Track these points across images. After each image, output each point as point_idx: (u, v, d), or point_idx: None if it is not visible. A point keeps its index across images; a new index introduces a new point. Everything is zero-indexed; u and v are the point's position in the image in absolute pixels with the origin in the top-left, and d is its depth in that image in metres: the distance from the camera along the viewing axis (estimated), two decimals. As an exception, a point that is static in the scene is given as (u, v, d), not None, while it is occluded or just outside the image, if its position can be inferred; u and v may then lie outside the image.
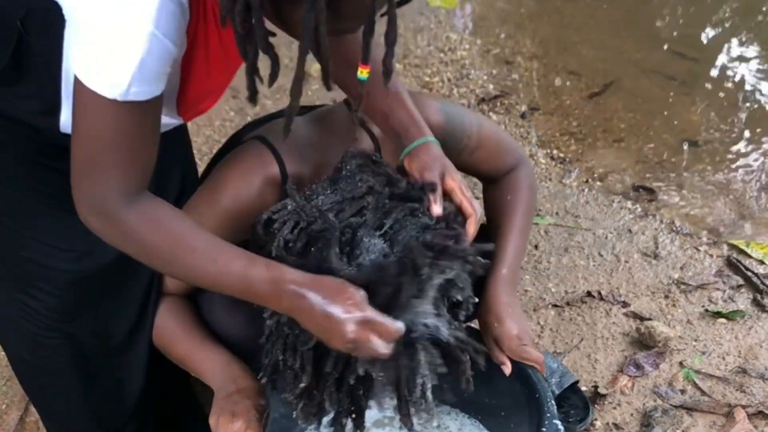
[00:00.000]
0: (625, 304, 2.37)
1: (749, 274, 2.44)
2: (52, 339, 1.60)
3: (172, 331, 1.63)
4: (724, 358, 2.21)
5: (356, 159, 1.51)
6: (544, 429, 1.53)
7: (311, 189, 1.49)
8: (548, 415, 1.56)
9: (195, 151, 2.02)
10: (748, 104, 3.26)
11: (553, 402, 1.60)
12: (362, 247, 1.36)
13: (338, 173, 1.50)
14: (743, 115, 3.20)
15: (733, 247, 2.57)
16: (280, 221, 1.44)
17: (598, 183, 2.84)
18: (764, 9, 3.90)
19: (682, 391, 2.11)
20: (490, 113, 3.12)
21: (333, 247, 1.34)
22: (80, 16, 1.20)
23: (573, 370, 2.15)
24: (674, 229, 2.64)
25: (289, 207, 1.45)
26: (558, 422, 1.54)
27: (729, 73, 3.45)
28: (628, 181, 2.85)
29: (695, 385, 2.12)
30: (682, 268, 2.50)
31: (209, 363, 1.60)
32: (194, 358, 1.61)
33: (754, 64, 3.50)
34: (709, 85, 3.40)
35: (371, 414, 1.82)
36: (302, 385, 1.39)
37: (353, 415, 1.44)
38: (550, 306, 2.37)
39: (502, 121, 3.08)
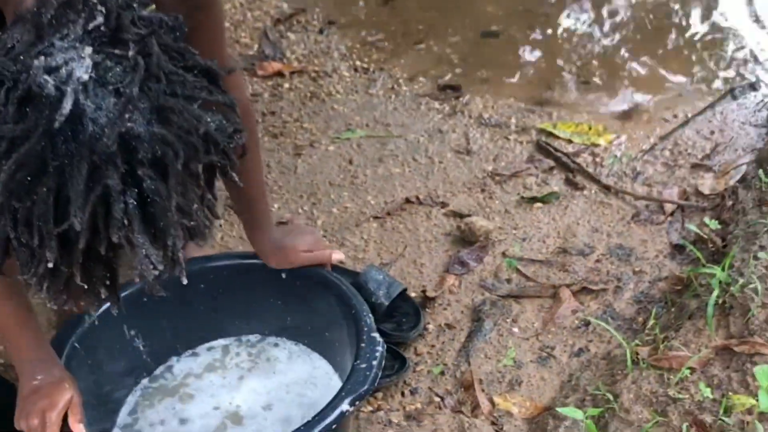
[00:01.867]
0: (444, 204, 2.37)
1: (559, 154, 2.47)
2: None
3: None
4: (544, 242, 2.23)
5: None
6: (363, 344, 1.51)
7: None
8: (365, 329, 1.54)
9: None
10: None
11: (369, 314, 1.58)
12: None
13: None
14: (535, 1, 3.21)
15: (541, 131, 2.59)
16: None
17: (404, 88, 2.81)
18: None
19: (508, 281, 2.13)
20: (288, 33, 3.04)
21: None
22: None
23: (401, 278, 2.14)
24: (483, 122, 2.64)
25: None
26: (376, 335, 1.53)
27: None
28: (433, 82, 2.83)
29: (519, 273, 2.14)
30: (494, 160, 2.51)
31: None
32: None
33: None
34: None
35: (202, 359, 1.78)
36: (49, 264, 1.12)
37: (107, 282, 1.18)
38: (371, 219, 2.35)
39: (301, 40, 3.01)
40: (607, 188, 2.36)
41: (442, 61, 2.93)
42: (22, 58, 1.06)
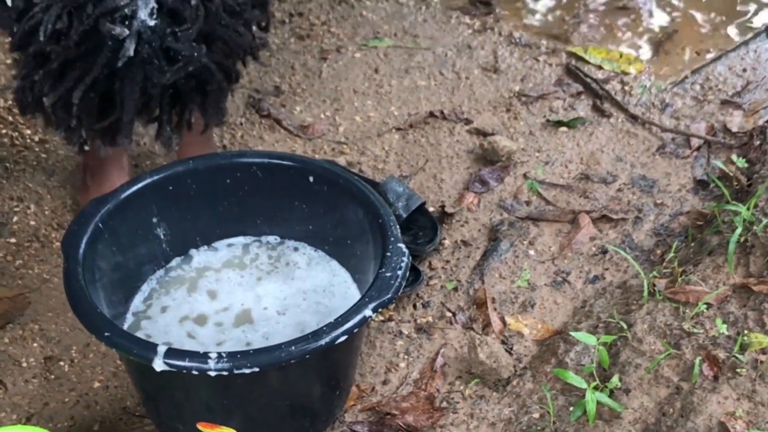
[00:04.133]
0: (467, 121, 2.35)
1: (588, 80, 2.44)
2: None
3: None
4: (566, 167, 2.22)
5: None
6: (389, 253, 1.50)
7: None
8: (392, 239, 1.53)
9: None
10: None
11: (396, 225, 1.57)
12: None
13: None
14: None
15: (571, 54, 2.56)
16: (40, 10, 1.21)
17: (435, 0, 2.77)
18: None
19: (527, 203, 2.12)
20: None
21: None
22: None
23: (420, 191, 2.13)
24: (513, 41, 2.61)
25: None
26: (402, 245, 1.52)
27: None
28: (465, -5, 2.79)
29: (540, 196, 2.13)
30: (522, 80, 2.48)
31: None
32: None
33: None
34: None
35: (221, 255, 1.78)
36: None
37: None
38: (393, 130, 2.33)
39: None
40: (634, 118, 2.34)
41: (475, -25, 2.87)
42: None
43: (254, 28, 1.35)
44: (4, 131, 2.27)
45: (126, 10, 1.15)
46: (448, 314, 1.88)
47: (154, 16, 1.15)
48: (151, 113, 1.19)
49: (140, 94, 1.17)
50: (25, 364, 1.75)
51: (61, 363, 1.76)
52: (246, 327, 1.64)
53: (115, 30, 1.13)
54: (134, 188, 1.64)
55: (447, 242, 2.04)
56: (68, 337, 1.81)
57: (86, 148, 1.25)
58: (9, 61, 2.46)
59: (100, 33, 1.14)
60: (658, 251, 1.98)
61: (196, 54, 1.16)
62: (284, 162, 1.71)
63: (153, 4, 1.14)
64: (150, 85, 1.16)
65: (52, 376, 1.74)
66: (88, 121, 1.19)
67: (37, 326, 1.83)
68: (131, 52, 1.13)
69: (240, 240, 1.80)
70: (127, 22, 1.15)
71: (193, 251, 1.78)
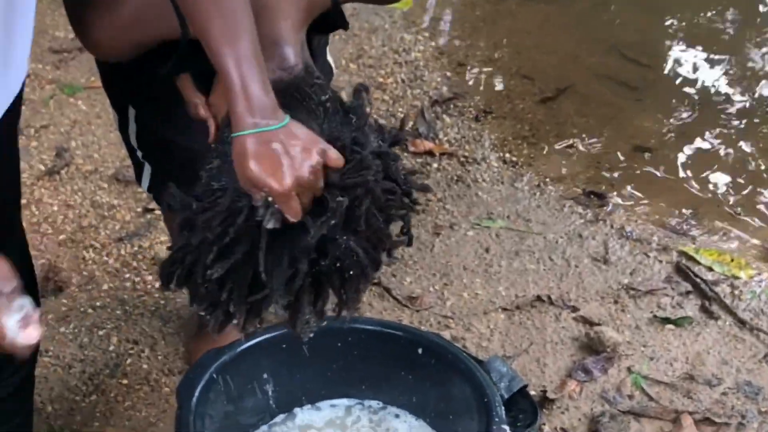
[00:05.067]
0: (574, 309, 2.37)
1: (698, 280, 2.46)
2: None
3: None
4: (671, 364, 2.21)
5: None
6: (492, 432, 1.52)
7: None
8: (497, 419, 1.55)
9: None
10: (698, 111, 3.27)
11: (501, 407, 1.59)
12: None
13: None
14: (693, 123, 3.21)
15: (682, 253, 2.58)
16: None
17: (550, 187, 2.84)
18: (711, 15, 3.92)
19: (630, 397, 2.12)
20: (444, 115, 3.11)
21: None
22: None
23: (522, 374, 2.14)
24: (624, 234, 2.65)
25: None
26: (506, 427, 1.54)
27: (680, 80, 3.47)
28: (580, 186, 2.85)
29: (643, 391, 2.13)
30: (631, 274, 2.50)
31: None
32: None
33: (705, 71, 3.52)
34: (661, 92, 3.41)
35: (323, 414, 1.81)
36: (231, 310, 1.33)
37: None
38: (500, 309, 2.37)
39: (455, 124, 3.07)
40: (742, 322, 2.33)
41: (590, 166, 2.95)
42: None
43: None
44: (127, 275, 2.38)
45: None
46: (543, 502, 1.86)
47: None
48: (292, 292, 1.28)
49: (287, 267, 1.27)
50: (123, 505, 1.80)
51: (159, 508, 1.80)
52: (344, 492, 1.66)
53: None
54: (250, 343, 1.70)
55: (546, 428, 2.04)
56: (168, 483, 1.85)
57: (229, 324, 1.33)
58: (139, 210, 2.60)
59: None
60: (762, 461, 1.95)
61: (344, 238, 1.28)
62: (395, 332, 1.76)
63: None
64: (297, 260, 1.27)
65: None
66: (238, 296, 1.28)
67: (139, 469, 1.87)
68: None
69: (343, 402, 1.83)
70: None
71: (297, 409, 1.81)
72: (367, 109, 1.40)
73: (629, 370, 2.19)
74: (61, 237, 2.49)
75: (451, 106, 3.18)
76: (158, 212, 2.56)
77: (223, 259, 1.25)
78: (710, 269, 2.52)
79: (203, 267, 1.26)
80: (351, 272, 1.29)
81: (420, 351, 1.74)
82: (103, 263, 2.41)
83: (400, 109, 3.13)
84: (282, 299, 1.28)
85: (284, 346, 1.73)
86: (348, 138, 1.33)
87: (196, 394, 1.58)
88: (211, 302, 1.30)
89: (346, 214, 1.24)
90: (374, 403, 1.83)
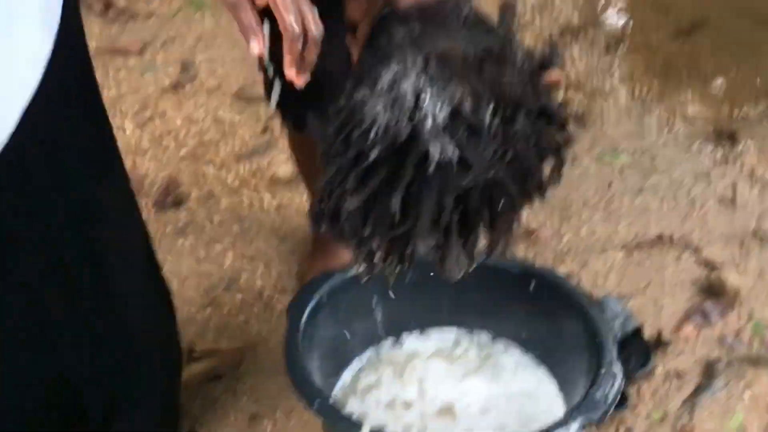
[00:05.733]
0: (696, 250, 2.30)
1: (830, 228, 2.35)
2: None
3: None
4: (795, 315, 2.14)
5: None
6: (602, 372, 1.48)
7: None
8: (608, 359, 1.52)
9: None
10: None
11: (613, 346, 1.56)
12: None
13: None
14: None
15: (815, 199, 2.47)
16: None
17: (679, 125, 2.74)
18: None
19: (749, 344, 2.05)
20: (573, 43, 3.02)
21: None
22: None
23: (637, 314, 2.09)
24: (754, 177, 2.54)
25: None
26: (616, 368, 1.50)
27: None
28: (710, 125, 2.74)
29: (762, 339, 2.06)
30: (759, 218, 2.41)
31: None
32: None
33: None
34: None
35: (431, 343, 1.81)
36: (374, 248, 1.21)
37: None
38: (618, 248, 2.31)
39: (585, 53, 2.98)
40: None
41: (724, 105, 2.83)
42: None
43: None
44: (245, 193, 2.40)
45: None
46: (651, 444, 1.83)
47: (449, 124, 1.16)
48: (439, 229, 1.19)
49: (435, 203, 1.19)
50: (232, 418, 1.83)
51: (265, 422, 1.82)
52: (448, 421, 1.66)
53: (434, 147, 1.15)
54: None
55: (658, 370, 1.99)
56: (275, 399, 1.87)
57: (373, 266, 1.26)
58: (259, 129, 2.61)
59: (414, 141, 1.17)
60: None
61: (491, 166, 1.17)
62: (509, 264, 1.73)
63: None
64: (444, 193, 1.18)
65: (255, 433, 1.81)
66: (381, 230, 1.20)
67: (248, 383, 1.90)
68: (437, 157, 1.14)
69: (452, 331, 1.82)
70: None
71: (405, 335, 1.81)
72: (515, 29, 1.30)
73: (750, 316, 2.11)
74: (183, 151, 2.53)
75: (582, 35, 3.08)
76: (278, 132, 2.57)
77: (362, 188, 1.16)
78: None
79: (342, 199, 1.18)
80: (501, 207, 1.20)
81: (533, 286, 1.71)
82: (222, 179, 2.44)
83: (528, 36, 3.05)
84: (429, 237, 1.19)
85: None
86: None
87: (305, 314, 1.59)
88: (355, 240, 1.21)
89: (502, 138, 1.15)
90: (483, 336, 1.81)
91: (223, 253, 2.22)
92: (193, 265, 2.18)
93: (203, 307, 2.08)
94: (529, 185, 1.21)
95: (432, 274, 1.24)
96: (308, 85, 1.40)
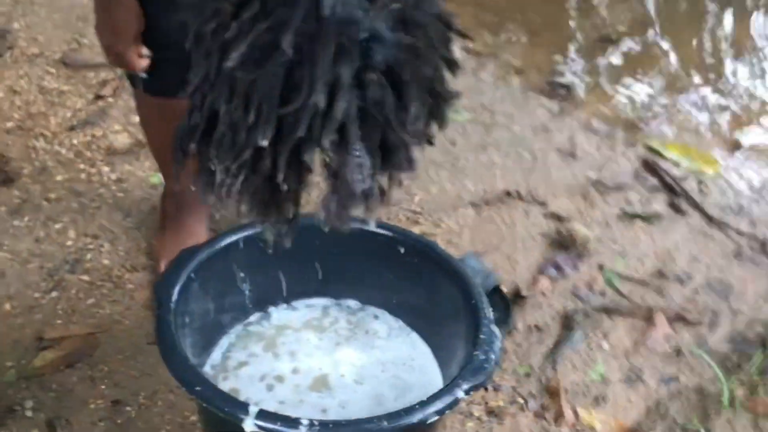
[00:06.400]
0: (543, 204, 2.33)
1: (665, 176, 2.43)
2: None
3: None
4: (642, 261, 2.20)
5: None
6: (482, 335, 1.47)
7: None
8: (485, 320, 1.51)
9: None
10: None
11: (489, 306, 1.55)
12: None
13: None
14: (658, 13, 3.16)
15: (649, 148, 2.55)
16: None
17: (515, 78, 2.77)
18: None
19: (602, 294, 2.10)
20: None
21: None
22: None
23: (494, 270, 2.11)
24: (591, 128, 2.61)
25: None
26: (495, 328, 1.49)
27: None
28: (545, 77, 2.79)
29: (615, 288, 2.11)
30: (599, 169, 2.47)
31: None
32: None
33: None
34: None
35: (300, 314, 1.76)
36: (262, 142, 0.99)
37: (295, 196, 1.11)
38: (468, 205, 2.32)
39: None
40: (710, 219, 2.32)
41: (555, 56, 2.88)
42: None
43: None
44: (81, 166, 2.27)
45: None
46: (520, 400, 1.84)
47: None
48: (335, 119, 1.00)
49: (329, 67, 0.97)
50: (92, 406, 1.73)
51: (128, 408, 1.73)
52: (323, 392, 1.62)
53: None
54: (225, 241, 1.63)
55: (520, 325, 2.01)
56: (136, 382, 1.78)
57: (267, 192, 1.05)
58: (90, 96, 2.48)
59: None
60: (734, 358, 1.95)
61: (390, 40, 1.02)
62: (377, 230, 1.69)
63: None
64: (340, 59, 1.01)
65: (119, 421, 1.71)
66: (268, 109, 0.99)
67: (106, 368, 1.80)
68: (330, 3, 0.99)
69: (320, 301, 1.78)
70: None
71: (272, 308, 1.76)
72: None
73: (600, 267, 2.16)
74: (9, 125, 2.37)
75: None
76: (111, 100, 2.44)
77: (244, 35, 0.97)
78: (677, 164, 2.50)
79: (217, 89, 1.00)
80: (406, 107, 1.06)
81: (402, 250, 1.68)
82: (55, 153, 2.30)
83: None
84: (328, 129, 0.98)
85: (260, 243, 1.66)
86: None
87: (175, 293, 1.51)
88: (235, 149, 1.01)
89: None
90: (352, 303, 1.78)
91: (63, 231, 2.09)
92: (32, 246, 2.04)
93: (48, 291, 1.95)
94: (432, 87, 1.08)
95: (314, 223, 1.12)
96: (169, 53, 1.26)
